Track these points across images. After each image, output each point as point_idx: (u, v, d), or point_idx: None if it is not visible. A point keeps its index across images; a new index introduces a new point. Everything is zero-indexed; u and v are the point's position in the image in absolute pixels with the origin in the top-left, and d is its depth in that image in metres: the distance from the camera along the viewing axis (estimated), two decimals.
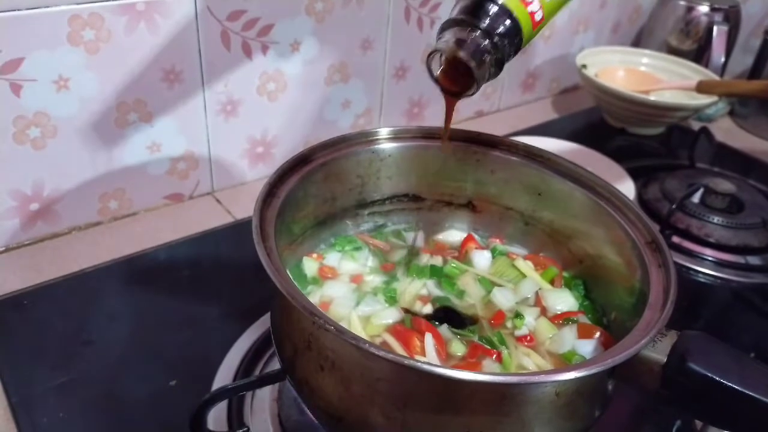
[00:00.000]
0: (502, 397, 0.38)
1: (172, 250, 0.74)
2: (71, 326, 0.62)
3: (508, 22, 0.45)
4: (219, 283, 0.71)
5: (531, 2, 0.46)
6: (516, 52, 0.48)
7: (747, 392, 0.38)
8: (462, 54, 0.45)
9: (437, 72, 0.48)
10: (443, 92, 0.50)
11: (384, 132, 0.56)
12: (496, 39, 0.45)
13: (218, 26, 0.73)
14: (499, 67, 0.47)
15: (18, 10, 0.61)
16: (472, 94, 0.48)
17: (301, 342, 0.41)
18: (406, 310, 0.51)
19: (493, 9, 0.45)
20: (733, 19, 1.16)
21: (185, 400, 0.49)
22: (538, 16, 0.46)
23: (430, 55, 0.47)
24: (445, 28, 0.47)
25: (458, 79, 0.48)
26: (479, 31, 0.45)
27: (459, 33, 0.46)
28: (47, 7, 0.62)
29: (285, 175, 0.50)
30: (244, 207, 0.82)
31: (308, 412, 0.49)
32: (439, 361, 0.46)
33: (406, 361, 0.36)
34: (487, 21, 0.45)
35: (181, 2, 0.69)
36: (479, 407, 0.38)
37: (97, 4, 0.64)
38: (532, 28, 0.47)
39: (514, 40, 0.46)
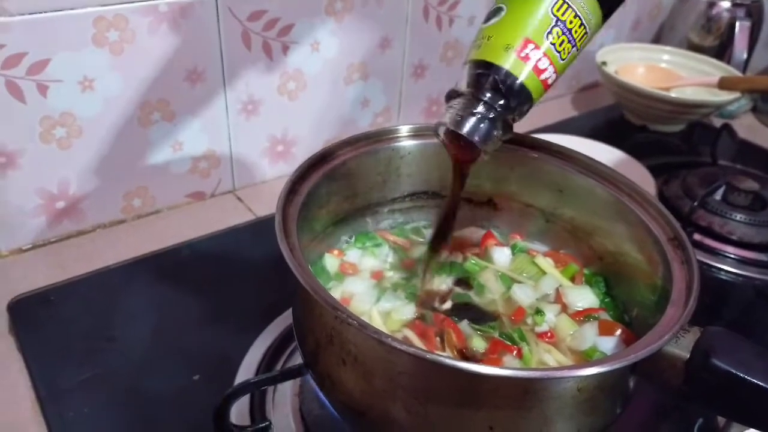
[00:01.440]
0: (525, 392, 0.38)
1: (194, 247, 0.75)
2: (96, 322, 0.63)
3: (519, 94, 0.43)
4: (240, 279, 0.72)
5: (544, 69, 0.43)
6: (526, 113, 0.46)
7: None
8: (466, 131, 0.44)
9: (445, 139, 0.46)
10: (452, 160, 0.49)
11: (404, 129, 0.56)
12: (505, 111, 0.44)
13: (239, 26, 0.74)
14: (508, 130, 0.45)
15: (44, 12, 0.62)
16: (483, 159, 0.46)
17: (323, 336, 0.42)
18: (427, 306, 0.51)
19: (505, 82, 0.43)
20: (755, 14, 1.14)
21: (208, 395, 0.49)
22: (551, 80, 0.44)
23: (436, 126, 0.46)
24: (452, 96, 0.46)
25: (466, 146, 0.45)
26: (487, 106, 0.43)
27: (464, 108, 0.44)
28: (72, 9, 0.63)
29: (307, 173, 0.50)
30: (265, 205, 0.83)
31: (329, 406, 0.49)
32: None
33: (429, 356, 0.36)
34: (496, 95, 0.43)
35: (202, 3, 0.70)
36: (501, 402, 0.38)
37: (122, 6, 0.66)
38: (543, 92, 0.45)
39: (524, 107, 0.45)
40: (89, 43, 0.65)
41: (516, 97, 0.44)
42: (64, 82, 0.66)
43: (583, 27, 0.44)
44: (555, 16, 0.43)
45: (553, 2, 0.43)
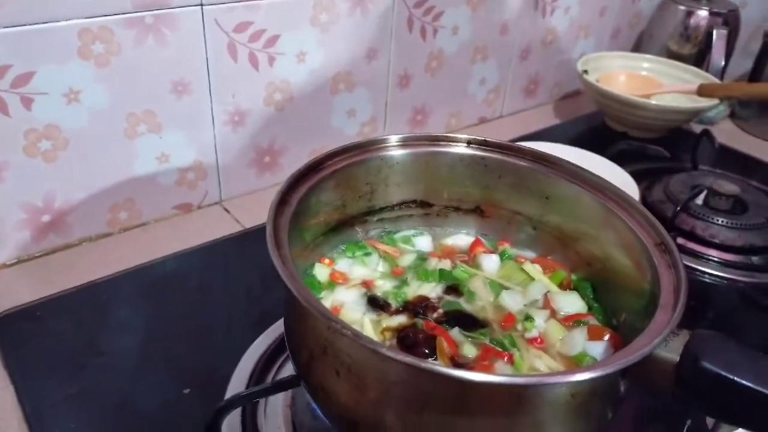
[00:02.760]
0: (518, 399, 0.38)
1: (182, 259, 0.74)
2: (84, 337, 0.63)
3: None
4: (229, 291, 0.71)
5: None
6: None
7: (762, 390, 0.38)
8: None
9: None
10: None
11: (393, 139, 0.57)
12: None
13: (225, 38, 0.74)
14: None
15: (28, 24, 0.62)
16: None
17: (316, 347, 0.42)
18: (417, 314, 0.51)
19: None
20: (732, 22, 1.17)
21: (199, 408, 0.49)
22: None
23: None
24: None
25: None
26: None
27: None
28: (57, 21, 0.63)
29: (296, 183, 0.50)
30: (253, 216, 0.83)
31: (322, 417, 0.49)
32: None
33: (423, 364, 0.36)
34: None
35: (188, 15, 0.70)
36: (495, 409, 0.38)
37: (107, 18, 0.65)
38: None
39: None
40: (74, 56, 0.65)
41: None
42: (50, 94, 0.65)
43: None
44: None
45: None
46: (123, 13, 0.66)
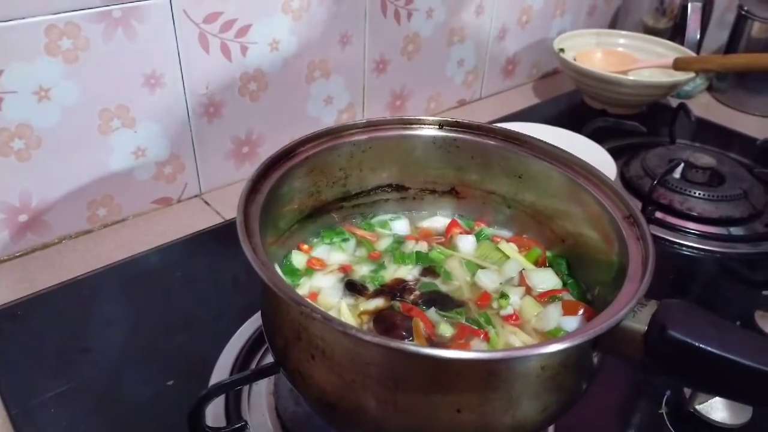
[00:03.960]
0: (489, 374, 0.39)
1: (163, 253, 0.74)
2: (67, 334, 0.63)
3: None
4: (211, 283, 0.72)
5: None
6: None
7: (728, 356, 0.39)
8: None
9: None
10: None
11: (363, 124, 0.57)
12: None
13: (195, 29, 0.74)
14: None
15: None
16: None
17: (291, 333, 0.42)
18: (394, 296, 0.52)
19: None
20: None
21: (184, 399, 0.49)
22: None
23: None
24: None
25: None
26: None
27: None
28: (23, 18, 0.62)
29: (268, 171, 0.50)
30: (233, 207, 0.81)
31: (304, 403, 0.50)
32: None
33: (393, 344, 0.37)
34: None
35: (156, 7, 0.70)
36: (468, 385, 0.39)
37: (73, 14, 0.65)
38: None
39: None
40: (42, 53, 0.64)
41: None
42: (19, 93, 0.65)
43: None
44: None
45: None
46: (90, 8, 0.66)
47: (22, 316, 0.65)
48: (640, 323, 0.41)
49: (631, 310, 0.40)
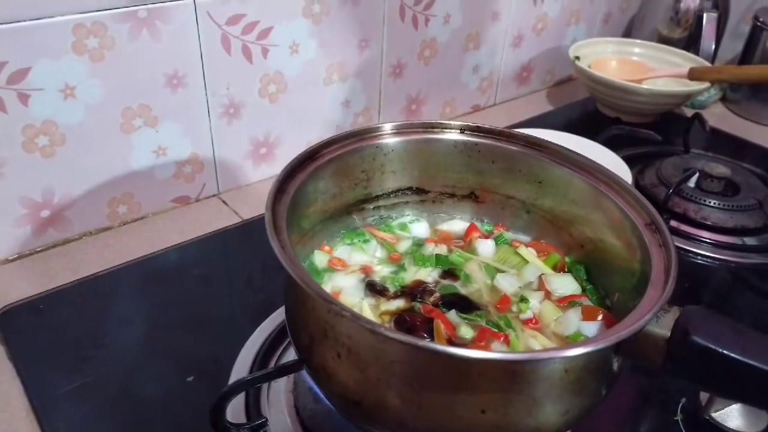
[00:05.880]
0: (514, 375, 0.39)
1: (182, 251, 0.75)
2: (87, 329, 0.64)
3: None
4: (229, 281, 0.72)
5: None
6: None
7: (749, 362, 0.39)
8: None
9: None
10: None
11: (387, 127, 0.57)
12: None
13: (218, 31, 0.75)
14: None
15: (22, 21, 0.62)
16: None
17: (317, 330, 0.43)
18: (415, 298, 0.53)
19: None
20: (722, 5, 1.18)
21: (203, 395, 0.50)
22: None
23: None
24: None
25: None
26: None
27: None
28: (51, 17, 0.63)
29: (293, 172, 0.51)
30: (250, 207, 0.84)
31: (323, 400, 0.51)
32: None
33: (421, 343, 0.37)
34: None
35: (181, 8, 0.71)
36: (492, 386, 0.39)
37: (100, 13, 0.66)
38: None
39: None
40: (69, 51, 0.65)
41: None
42: (46, 90, 0.66)
43: None
44: None
45: None
46: (116, 8, 0.67)
47: (43, 309, 0.65)
48: (663, 328, 0.41)
49: (655, 316, 0.40)
